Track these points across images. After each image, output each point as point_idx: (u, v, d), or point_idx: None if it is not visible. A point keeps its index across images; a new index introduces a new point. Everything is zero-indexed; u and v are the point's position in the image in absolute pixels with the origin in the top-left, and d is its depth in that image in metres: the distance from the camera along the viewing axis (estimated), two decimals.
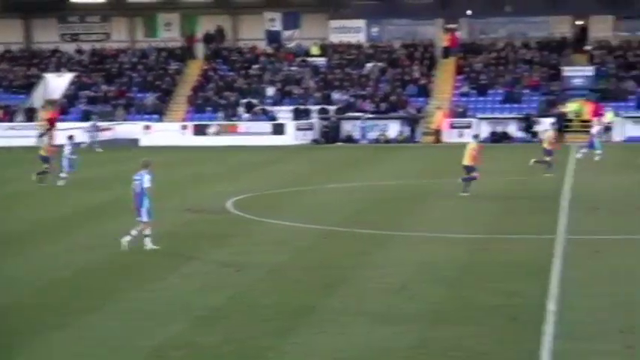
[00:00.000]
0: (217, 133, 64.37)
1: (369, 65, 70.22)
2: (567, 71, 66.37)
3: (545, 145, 41.62)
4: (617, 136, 59.75)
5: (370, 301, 18.78)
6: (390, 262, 22.61)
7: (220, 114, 66.69)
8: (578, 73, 66.26)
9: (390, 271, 21.53)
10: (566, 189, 35.93)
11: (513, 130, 61.80)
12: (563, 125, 60.36)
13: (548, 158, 41.08)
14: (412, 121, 63.70)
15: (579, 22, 71.62)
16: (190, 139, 63.85)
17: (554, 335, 15.98)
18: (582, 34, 71.51)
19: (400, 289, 19.73)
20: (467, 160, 34.43)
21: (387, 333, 16.47)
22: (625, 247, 24.30)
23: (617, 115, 60.25)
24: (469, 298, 18.83)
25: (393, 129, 63.61)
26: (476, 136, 37.85)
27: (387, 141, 62.78)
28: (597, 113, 60.76)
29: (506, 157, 50.69)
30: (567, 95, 64.26)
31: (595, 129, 49.89)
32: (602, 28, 70.73)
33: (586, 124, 60.63)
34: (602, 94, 63.73)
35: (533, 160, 41.95)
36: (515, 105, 64.30)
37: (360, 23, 73.79)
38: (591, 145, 48.35)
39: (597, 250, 23.42)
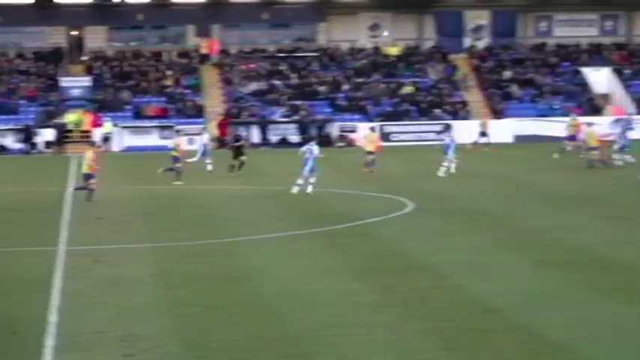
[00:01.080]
0: None
1: None
2: (65, 82, 66.32)
3: (175, 154, 41.43)
4: (115, 146, 60.59)
5: None
6: None
7: None
8: (75, 83, 66.41)
9: None
10: (68, 200, 35.94)
11: (11, 141, 60.79)
12: (63, 136, 60.38)
13: (178, 165, 40.97)
14: None
15: (74, 33, 71.91)
16: None
17: (55, 347, 15.99)
18: (78, 44, 71.90)
19: None
20: (85, 169, 35.30)
21: None
22: (124, 255, 24.75)
23: (115, 125, 61.18)
24: None
25: None
26: (94, 144, 38.02)
27: None
28: (96, 123, 61.50)
29: (5, 168, 49.81)
30: (66, 106, 64.27)
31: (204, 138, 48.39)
32: (97, 39, 71.60)
33: (86, 135, 61.06)
34: (100, 104, 64.50)
35: (161, 169, 41.65)
36: (13, 116, 63.30)
37: None
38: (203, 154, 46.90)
39: (97, 260, 23.66)
